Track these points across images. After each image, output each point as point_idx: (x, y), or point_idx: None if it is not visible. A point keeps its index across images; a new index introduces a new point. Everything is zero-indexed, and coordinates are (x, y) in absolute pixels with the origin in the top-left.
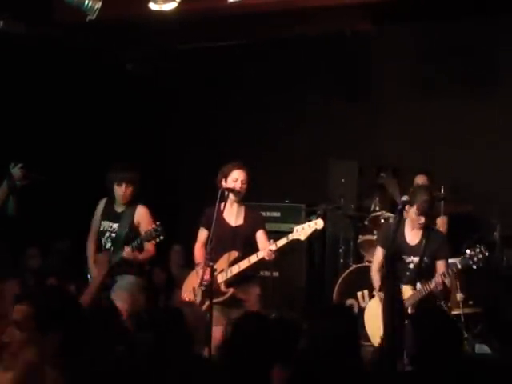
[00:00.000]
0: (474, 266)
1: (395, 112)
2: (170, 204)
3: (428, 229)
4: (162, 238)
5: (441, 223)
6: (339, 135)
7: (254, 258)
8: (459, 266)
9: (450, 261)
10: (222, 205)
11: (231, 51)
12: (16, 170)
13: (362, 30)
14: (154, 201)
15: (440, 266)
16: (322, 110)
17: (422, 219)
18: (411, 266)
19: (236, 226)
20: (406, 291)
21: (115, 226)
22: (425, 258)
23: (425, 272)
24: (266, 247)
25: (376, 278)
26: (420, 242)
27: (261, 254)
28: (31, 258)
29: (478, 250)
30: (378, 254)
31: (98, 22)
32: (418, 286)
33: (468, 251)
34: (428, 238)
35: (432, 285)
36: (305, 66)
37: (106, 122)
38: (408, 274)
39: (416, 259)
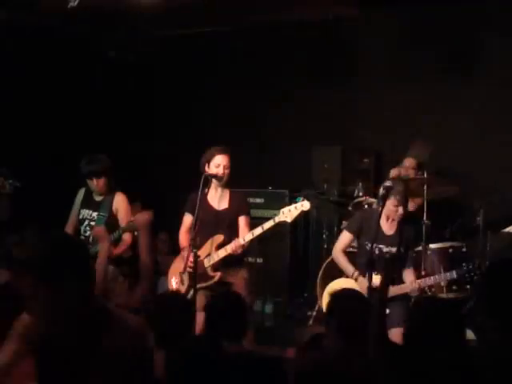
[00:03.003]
0: (468, 279)
1: (379, 97)
2: (155, 192)
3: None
4: None
5: (412, 204)
6: (322, 120)
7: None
8: (455, 276)
9: (433, 246)
10: (206, 190)
11: (215, 37)
12: None
13: (347, 16)
14: (140, 189)
15: (410, 256)
16: (304, 95)
17: (401, 210)
18: (388, 256)
19: (220, 210)
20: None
21: (94, 214)
22: (401, 249)
23: (399, 262)
24: (244, 234)
25: (342, 259)
26: (396, 232)
27: (228, 249)
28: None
29: (476, 265)
30: (344, 238)
31: (79, 10)
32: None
33: (465, 264)
34: (402, 228)
35: (407, 289)
36: (288, 51)
37: (87, 109)
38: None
39: (393, 249)
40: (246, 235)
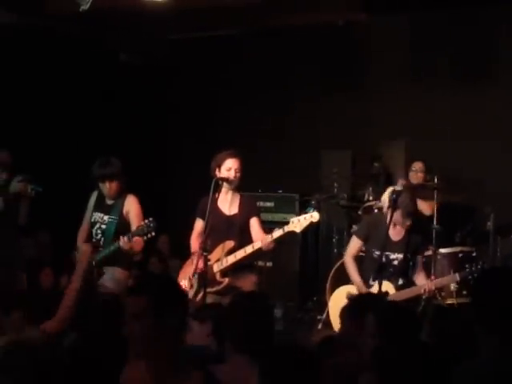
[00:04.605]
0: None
1: (388, 101)
2: (159, 193)
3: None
4: (153, 234)
5: (426, 207)
6: (332, 125)
7: (249, 249)
8: (458, 279)
9: (444, 250)
10: (217, 194)
11: (224, 41)
12: (15, 184)
13: (356, 20)
14: (144, 190)
15: (419, 260)
16: (315, 99)
17: (408, 221)
18: (395, 262)
19: (231, 215)
20: (388, 288)
21: (106, 217)
22: (408, 255)
23: (407, 268)
24: (259, 235)
25: (351, 266)
26: (403, 238)
27: (258, 245)
28: (25, 248)
29: (479, 267)
30: (354, 243)
31: (91, 13)
32: (401, 281)
33: (468, 266)
34: (410, 234)
35: (421, 290)
36: (298, 55)
37: (98, 112)
38: (391, 270)
39: (400, 256)
40: (260, 236)
